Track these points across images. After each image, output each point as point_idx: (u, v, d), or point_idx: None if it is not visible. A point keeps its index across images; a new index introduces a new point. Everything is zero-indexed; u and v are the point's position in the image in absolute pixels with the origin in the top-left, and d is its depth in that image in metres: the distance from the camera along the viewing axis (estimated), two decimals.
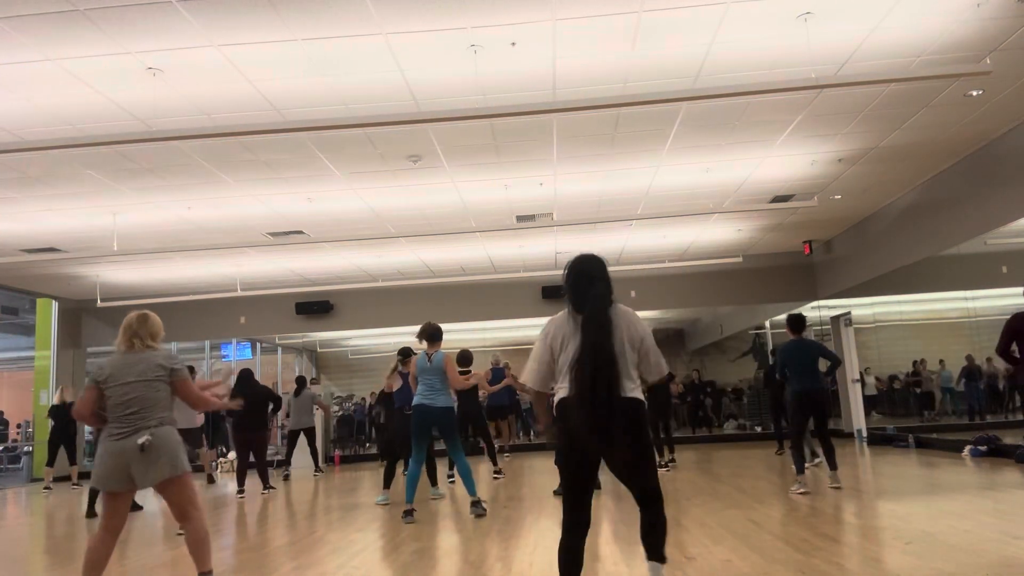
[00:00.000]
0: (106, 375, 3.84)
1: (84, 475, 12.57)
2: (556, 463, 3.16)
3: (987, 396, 9.51)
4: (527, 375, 3.22)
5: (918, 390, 11.02)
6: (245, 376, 9.70)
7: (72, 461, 12.06)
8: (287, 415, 12.22)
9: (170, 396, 3.88)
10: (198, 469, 11.33)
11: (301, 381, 12.18)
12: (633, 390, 3.05)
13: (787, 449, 10.63)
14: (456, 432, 6.64)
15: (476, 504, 6.52)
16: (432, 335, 6.63)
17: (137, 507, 8.49)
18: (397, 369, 8.21)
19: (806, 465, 8.35)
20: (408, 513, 6.42)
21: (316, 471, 12.21)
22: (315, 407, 12.03)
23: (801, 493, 6.70)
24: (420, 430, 6.50)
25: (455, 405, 6.63)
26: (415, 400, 6.55)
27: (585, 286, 3.11)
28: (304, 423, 11.87)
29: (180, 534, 6.30)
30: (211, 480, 11.54)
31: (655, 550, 3.04)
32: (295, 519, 7.13)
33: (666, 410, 10.16)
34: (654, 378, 3.20)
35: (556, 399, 3.12)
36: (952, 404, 10.40)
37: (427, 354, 6.58)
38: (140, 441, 3.68)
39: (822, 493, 6.68)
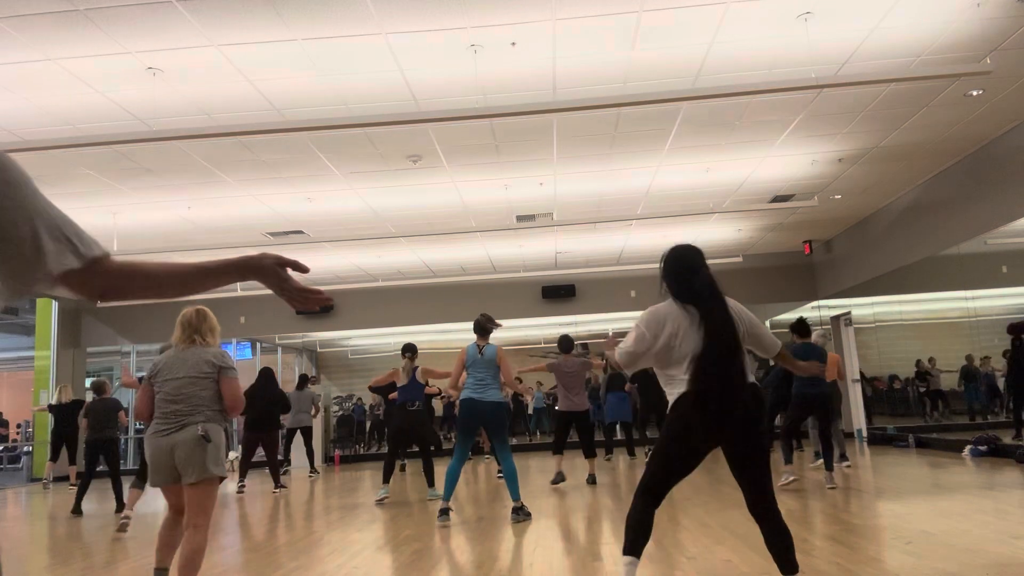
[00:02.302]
0: (157, 370, 3.85)
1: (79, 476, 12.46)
2: (665, 446, 3.07)
3: (986, 396, 9.51)
4: (623, 355, 3.14)
5: (922, 389, 10.99)
6: (267, 375, 9.83)
7: (72, 461, 11.99)
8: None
9: (217, 394, 3.82)
10: None
11: (303, 379, 12.16)
12: (750, 375, 3.04)
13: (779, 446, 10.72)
14: (506, 430, 6.31)
15: (518, 511, 6.15)
16: (484, 327, 6.39)
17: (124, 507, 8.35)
18: (402, 367, 8.14)
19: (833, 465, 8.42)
20: (444, 512, 6.14)
21: (311, 472, 12.12)
22: (312, 407, 11.92)
23: (790, 482, 7.03)
24: (467, 425, 6.19)
25: (507, 401, 6.45)
26: (464, 394, 6.22)
27: (689, 276, 3.06)
28: (302, 422, 11.78)
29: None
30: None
31: (789, 562, 2.92)
32: (295, 519, 7.13)
33: (661, 406, 10.17)
34: (772, 354, 3.19)
35: (676, 395, 3.06)
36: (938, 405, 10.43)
37: (478, 346, 6.31)
38: (200, 433, 3.67)
39: (821, 493, 6.68)
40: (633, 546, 3.01)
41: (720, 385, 2.91)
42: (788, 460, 7.28)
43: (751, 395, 2.97)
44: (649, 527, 3.04)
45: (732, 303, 3.13)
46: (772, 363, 3.26)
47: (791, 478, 7.06)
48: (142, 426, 12.54)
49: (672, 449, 3.04)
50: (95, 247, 1.25)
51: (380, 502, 7.77)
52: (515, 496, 6.20)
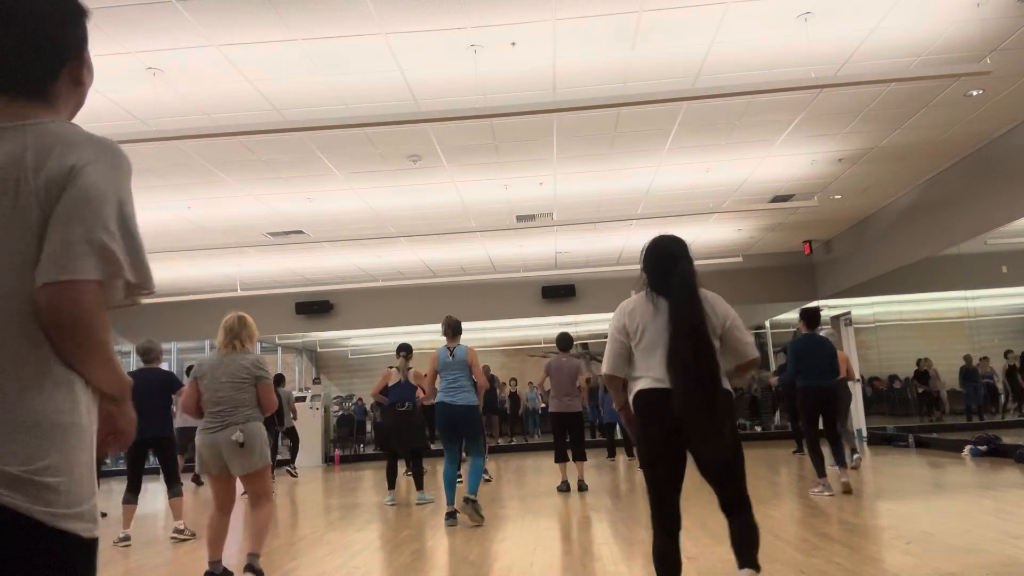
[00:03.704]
0: (203, 372, 4.34)
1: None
2: (640, 460, 2.91)
3: (986, 396, 9.51)
4: (607, 366, 2.96)
5: (920, 391, 10.99)
6: None
7: None
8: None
9: (255, 397, 4.32)
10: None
11: (277, 379, 11.92)
12: (723, 380, 2.83)
13: (805, 449, 10.60)
14: (481, 432, 6.28)
15: (470, 502, 6.01)
16: (455, 329, 6.37)
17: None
18: (396, 367, 8.09)
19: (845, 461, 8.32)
20: (451, 515, 6.12)
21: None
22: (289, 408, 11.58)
23: (825, 495, 6.50)
24: (444, 429, 6.17)
25: (479, 402, 6.28)
26: (437, 398, 6.22)
27: (668, 266, 2.91)
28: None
29: (175, 535, 6.26)
30: (199, 482, 11.22)
31: (749, 557, 2.79)
32: (295, 519, 7.13)
33: None
34: (742, 361, 2.96)
35: (635, 391, 2.89)
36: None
37: (448, 348, 6.28)
38: (234, 438, 4.15)
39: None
40: None
41: (681, 381, 2.72)
42: (822, 472, 6.65)
43: (715, 398, 2.75)
44: (677, 558, 2.83)
45: (711, 297, 2.94)
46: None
47: (826, 492, 6.50)
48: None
49: (646, 454, 2.85)
50: (92, 270, 1.22)
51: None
52: (472, 489, 6.10)
